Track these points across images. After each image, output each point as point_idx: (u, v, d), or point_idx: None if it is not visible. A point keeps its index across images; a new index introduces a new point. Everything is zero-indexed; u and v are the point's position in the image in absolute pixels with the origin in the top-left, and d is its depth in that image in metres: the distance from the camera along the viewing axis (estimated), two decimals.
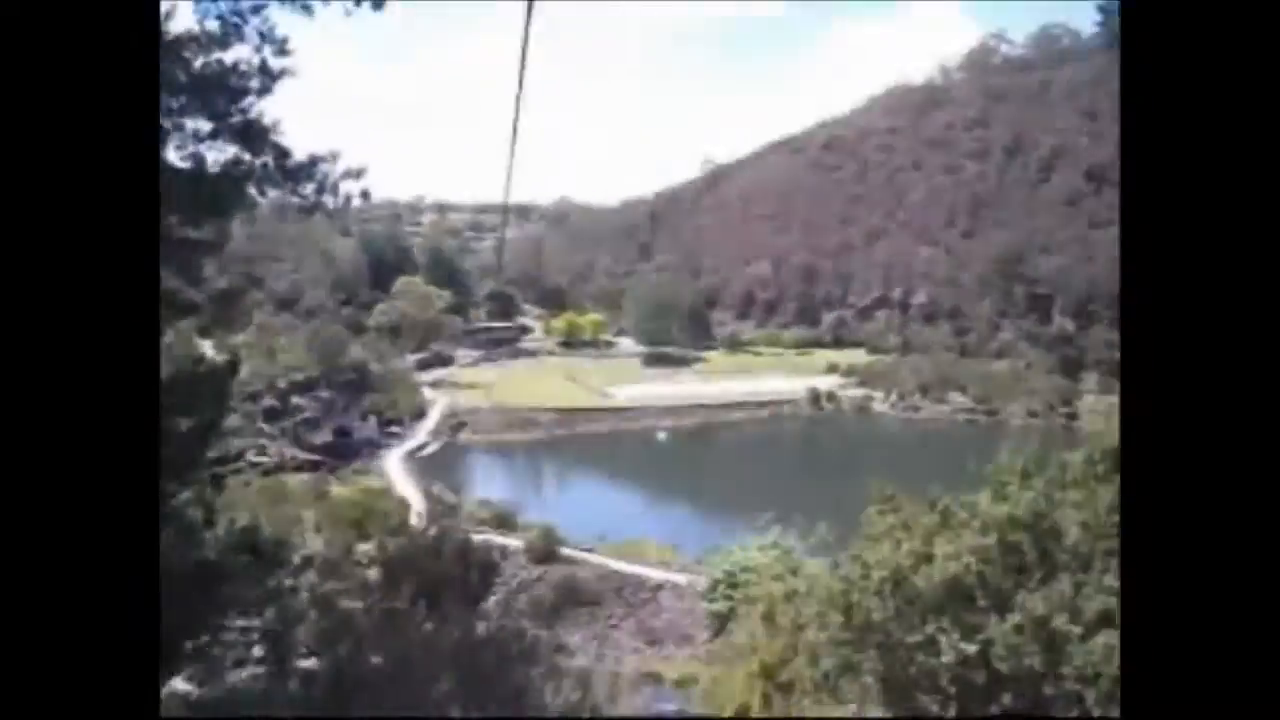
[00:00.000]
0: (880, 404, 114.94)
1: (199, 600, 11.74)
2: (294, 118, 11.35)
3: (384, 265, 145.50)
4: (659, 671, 41.48)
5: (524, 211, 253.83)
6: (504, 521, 58.93)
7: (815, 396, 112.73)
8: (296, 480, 67.52)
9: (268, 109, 11.21)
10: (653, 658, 43.13)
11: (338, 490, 64.03)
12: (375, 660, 17.27)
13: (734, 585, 40.88)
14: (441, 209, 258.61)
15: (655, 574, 50.56)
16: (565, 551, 53.27)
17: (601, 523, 61.14)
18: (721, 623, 40.84)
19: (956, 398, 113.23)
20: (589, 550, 54.31)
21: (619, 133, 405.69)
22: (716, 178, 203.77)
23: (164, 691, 13.85)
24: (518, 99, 7.36)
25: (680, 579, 49.14)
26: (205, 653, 14.07)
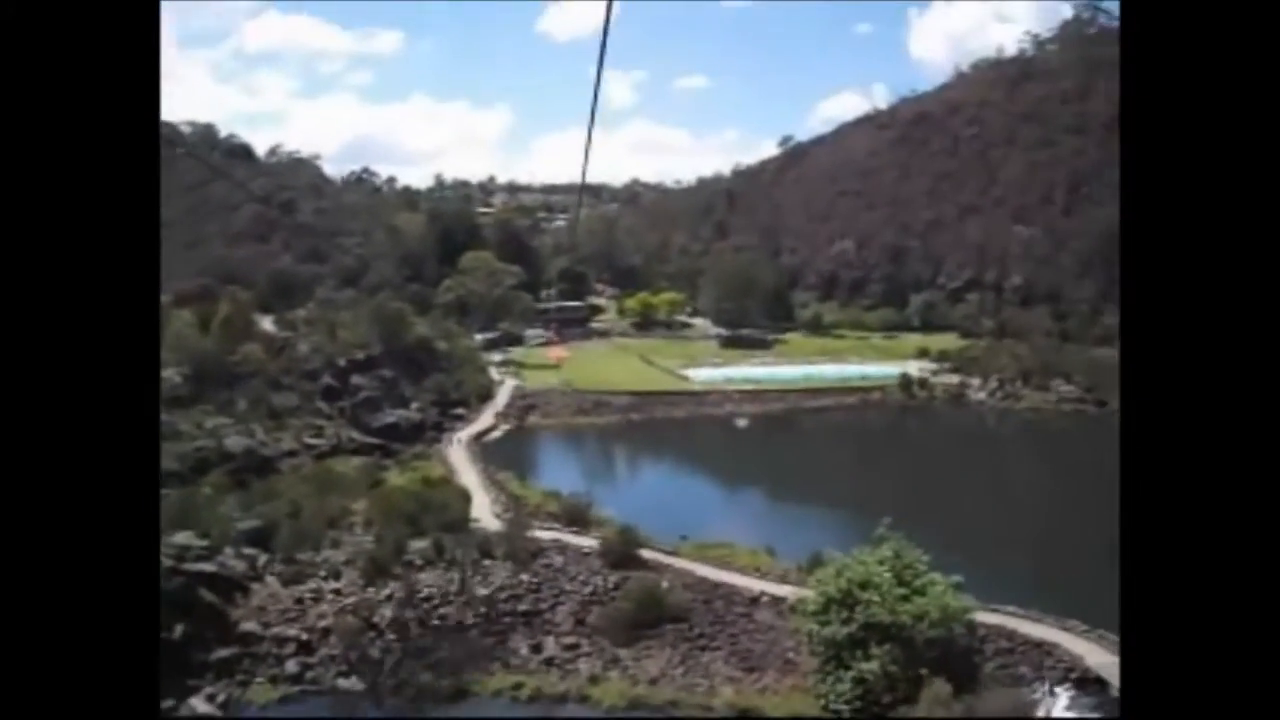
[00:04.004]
0: (977, 391, 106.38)
1: None
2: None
3: (453, 242, 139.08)
4: (759, 707, 34.64)
5: (596, 191, 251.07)
6: (576, 516, 52.74)
7: (907, 383, 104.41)
8: (350, 465, 61.99)
9: None
10: (750, 690, 36.15)
11: (394, 478, 58.44)
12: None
13: (851, 605, 34.13)
14: (513, 189, 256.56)
15: (750, 583, 43.73)
16: (645, 554, 46.74)
17: (679, 516, 55.06)
18: (837, 650, 34.08)
19: (1061, 386, 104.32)
20: (671, 553, 47.73)
21: (693, 113, 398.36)
22: (796, 155, 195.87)
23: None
24: (598, 80, 7.47)
25: (780, 590, 42.25)
26: None
